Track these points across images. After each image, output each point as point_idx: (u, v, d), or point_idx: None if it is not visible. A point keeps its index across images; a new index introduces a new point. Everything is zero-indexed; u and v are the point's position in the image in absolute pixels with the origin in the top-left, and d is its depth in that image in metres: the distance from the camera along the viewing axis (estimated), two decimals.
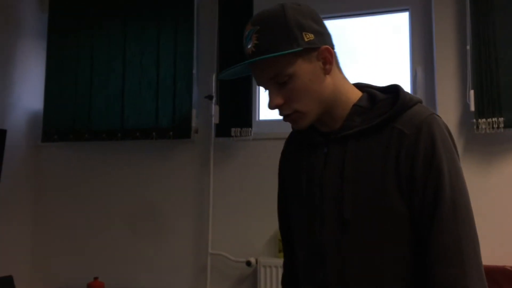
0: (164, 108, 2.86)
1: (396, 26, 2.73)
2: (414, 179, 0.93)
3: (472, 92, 2.39)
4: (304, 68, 0.97)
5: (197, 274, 2.80)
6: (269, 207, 2.66)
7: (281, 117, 1.04)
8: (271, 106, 1.00)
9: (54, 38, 3.15)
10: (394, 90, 1.03)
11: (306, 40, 0.96)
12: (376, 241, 0.96)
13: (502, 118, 2.32)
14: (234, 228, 2.76)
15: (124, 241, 2.95)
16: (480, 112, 2.35)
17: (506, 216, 2.36)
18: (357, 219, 0.97)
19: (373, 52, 2.75)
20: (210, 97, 2.82)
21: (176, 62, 2.88)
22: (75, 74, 3.07)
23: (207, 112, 2.86)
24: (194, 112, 2.84)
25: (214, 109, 2.79)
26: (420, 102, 1.02)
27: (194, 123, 2.84)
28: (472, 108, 2.37)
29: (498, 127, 2.32)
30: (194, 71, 2.86)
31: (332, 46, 1.03)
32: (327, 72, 1.00)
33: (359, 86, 1.09)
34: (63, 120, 3.04)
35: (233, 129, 2.72)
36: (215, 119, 2.78)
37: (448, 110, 2.49)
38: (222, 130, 2.76)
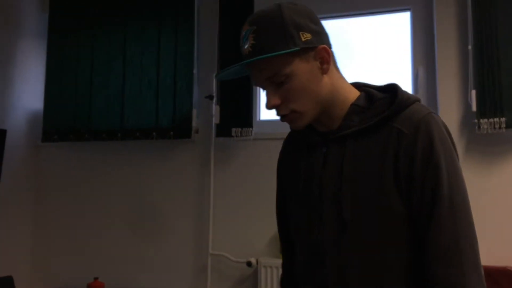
0: (164, 108, 2.86)
1: (398, 26, 2.72)
2: (412, 179, 0.93)
3: (473, 92, 2.38)
4: (301, 68, 0.97)
5: (197, 275, 2.80)
6: (270, 207, 2.65)
7: None
8: (269, 106, 1.00)
9: (54, 38, 3.15)
10: (392, 89, 1.03)
11: (303, 39, 0.96)
12: (375, 241, 0.96)
13: (503, 118, 2.31)
14: (235, 229, 2.76)
15: (125, 241, 2.94)
16: (482, 112, 2.35)
17: (507, 216, 2.36)
18: (356, 219, 0.96)
19: (374, 52, 2.74)
20: (210, 97, 2.81)
21: (177, 62, 2.87)
22: (75, 74, 3.07)
23: (207, 112, 2.85)
24: (194, 112, 2.83)
25: (215, 109, 2.78)
26: (418, 100, 1.02)
27: (194, 123, 2.84)
28: (474, 108, 2.37)
29: (499, 127, 2.31)
30: (195, 71, 2.86)
31: (330, 46, 1.03)
32: (324, 71, 1.00)
33: (357, 85, 1.08)
34: (63, 120, 3.04)
35: (233, 129, 2.71)
36: (215, 119, 2.77)
37: (449, 110, 2.48)
38: (223, 130, 2.75)
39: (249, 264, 2.62)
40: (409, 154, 0.94)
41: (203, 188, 2.84)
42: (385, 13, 2.73)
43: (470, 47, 2.43)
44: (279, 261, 2.55)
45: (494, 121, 2.32)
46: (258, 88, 2.81)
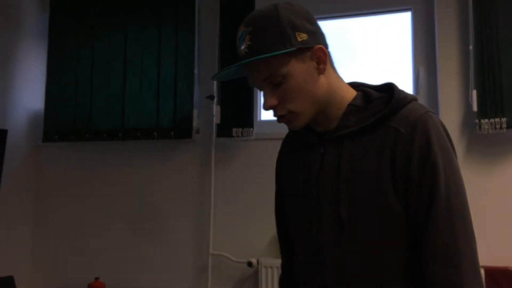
0: (165, 108, 2.86)
1: (398, 26, 2.72)
2: (409, 178, 0.93)
3: (474, 92, 2.38)
4: (297, 68, 0.97)
5: (198, 275, 2.80)
6: (271, 208, 2.65)
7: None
8: (266, 107, 1.00)
9: (55, 38, 3.15)
10: (388, 88, 1.02)
11: (299, 40, 0.96)
12: (374, 240, 0.96)
13: (504, 119, 2.31)
14: (235, 229, 2.76)
15: (125, 241, 2.94)
16: (483, 112, 2.35)
17: (508, 216, 2.35)
18: (354, 218, 0.96)
19: (375, 52, 2.74)
20: (211, 97, 2.81)
21: (177, 62, 2.87)
22: (76, 74, 3.07)
23: (208, 112, 2.85)
24: (195, 112, 2.83)
25: (215, 109, 2.78)
26: (415, 99, 1.01)
27: (195, 123, 2.84)
28: (475, 108, 2.37)
29: (500, 128, 2.31)
30: (196, 71, 2.86)
31: (326, 46, 1.03)
32: (321, 71, 1.00)
33: (354, 85, 1.08)
34: (64, 120, 3.04)
35: (234, 129, 2.71)
36: (216, 119, 2.77)
37: (450, 110, 2.48)
38: (224, 130, 2.75)
39: (249, 264, 2.62)
40: (406, 153, 0.93)
41: (203, 188, 2.84)
42: (386, 13, 2.73)
43: (471, 47, 2.43)
44: (279, 261, 2.54)
45: (495, 121, 2.32)
46: None
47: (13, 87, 3.01)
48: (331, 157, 1.01)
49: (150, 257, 2.89)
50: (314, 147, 1.05)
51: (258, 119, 2.85)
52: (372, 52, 2.74)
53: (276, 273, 2.55)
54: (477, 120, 2.36)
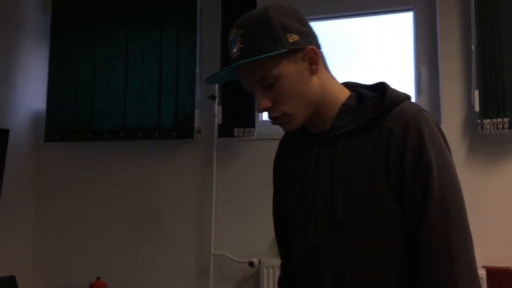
0: (166, 108, 2.86)
1: (400, 26, 2.72)
2: (403, 178, 0.93)
3: (476, 92, 2.38)
4: (289, 70, 0.97)
5: (199, 275, 2.80)
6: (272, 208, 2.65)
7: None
8: (259, 109, 1.00)
9: (56, 38, 3.15)
10: (381, 87, 1.02)
11: (290, 41, 0.96)
12: (370, 240, 0.96)
13: (506, 119, 2.31)
14: (237, 229, 2.76)
15: (127, 241, 2.94)
16: (485, 112, 2.34)
17: (510, 216, 2.35)
18: (350, 219, 0.96)
19: (377, 52, 2.74)
20: (213, 97, 2.81)
21: (179, 62, 2.87)
22: (78, 74, 3.07)
23: (210, 112, 2.85)
24: (196, 112, 2.83)
25: (217, 109, 2.78)
26: (408, 98, 1.01)
27: (196, 123, 2.84)
28: (477, 108, 2.37)
29: (502, 128, 2.31)
30: (197, 71, 2.86)
31: (319, 46, 1.03)
32: (313, 72, 0.99)
33: (347, 85, 1.08)
34: (66, 120, 3.04)
35: (236, 129, 2.71)
36: (218, 119, 2.77)
37: (452, 110, 2.48)
38: (225, 130, 2.75)
39: (251, 264, 2.62)
40: (399, 152, 0.93)
41: (205, 188, 2.84)
42: (388, 13, 2.73)
43: (473, 47, 2.43)
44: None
45: (497, 122, 2.32)
46: None
47: (15, 87, 3.01)
48: (325, 158, 1.01)
49: (151, 257, 2.89)
50: (310, 148, 1.05)
51: (260, 119, 2.85)
52: (374, 52, 2.74)
53: (278, 273, 2.54)
54: (479, 120, 2.36)
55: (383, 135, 0.96)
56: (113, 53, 3.01)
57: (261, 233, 2.70)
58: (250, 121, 2.70)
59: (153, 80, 2.91)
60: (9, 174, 2.86)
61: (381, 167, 0.94)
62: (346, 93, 1.05)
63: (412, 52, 2.64)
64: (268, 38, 0.95)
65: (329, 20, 2.79)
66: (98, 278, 2.77)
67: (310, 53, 0.98)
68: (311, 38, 1.00)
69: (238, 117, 2.73)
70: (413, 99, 2.72)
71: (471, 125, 2.45)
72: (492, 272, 2.27)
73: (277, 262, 2.57)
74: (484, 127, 2.34)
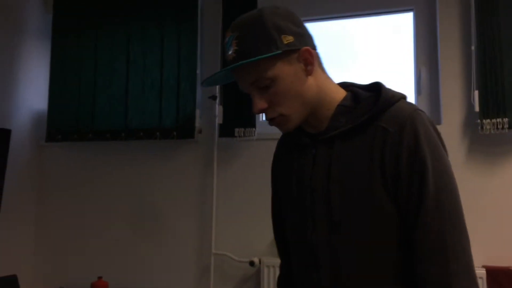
0: (167, 108, 2.87)
1: (400, 26, 2.73)
2: (399, 177, 0.93)
3: (476, 92, 2.38)
4: (285, 71, 0.97)
5: (200, 274, 2.81)
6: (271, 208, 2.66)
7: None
8: (256, 110, 1.00)
9: (58, 38, 3.16)
10: (376, 87, 1.02)
11: (285, 42, 0.96)
12: (367, 241, 0.96)
13: (506, 119, 2.31)
14: (238, 228, 2.76)
15: (128, 241, 2.95)
16: (485, 112, 2.35)
17: (510, 216, 2.36)
18: (347, 219, 0.97)
19: (377, 53, 2.74)
20: (213, 97, 2.82)
21: (180, 63, 2.88)
22: (79, 74, 3.08)
23: (210, 112, 2.86)
24: (197, 112, 2.84)
25: (218, 109, 2.79)
26: (404, 98, 1.01)
27: (197, 123, 2.84)
28: (477, 108, 2.37)
29: (502, 128, 2.32)
30: (198, 71, 2.86)
31: (314, 47, 1.03)
32: (308, 73, 1.00)
33: (343, 85, 1.09)
34: (67, 120, 3.05)
35: (236, 129, 2.72)
36: (218, 119, 2.78)
37: (452, 110, 2.49)
38: (226, 130, 2.75)
39: (252, 263, 2.63)
40: (394, 152, 0.93)
41: (206, 188, 2.85)
42: (388, 14, 2.74)
43: (473, 47, 2.43)
44: None
45: (497, 122, 2.32)
46: None
47: (16, 87, 3.02)
48: (322, 158, 1.02)
49: (152, 257, 2.90)
50: (307, 148, 1.06)
51: (260, 119, 2.85)
52: (374, 53, 2.75)
53: (278, 273, 2.55)
54: (479, 121, 2.36)
55: (379, 135, 0.96)
56: (114, 53, 3.02)
57: (261, 232, 2.71)
58: (250, 121, 2.71)
59: (154, 80, 2.92)
60: (10, 174, 2.87)
61: (377, 167, 0.95)
62: (342, 93, 1.05)
63: (412, 52, 2.65)
64: (262, 39, 0.96)
65: (329, 20, 2.80)
66: (100, 278, 2.78)
67: (305, 54, 0.98)
68: (306, 39, 1.01)
69: (238, 117, 2.73)
70: (413, 99, 2.71)
71: (471, 125, 2.45)
72: (492, 272, 2.28)
73: (278, 261, 2.57)
74: (484, 127, 2.34)
